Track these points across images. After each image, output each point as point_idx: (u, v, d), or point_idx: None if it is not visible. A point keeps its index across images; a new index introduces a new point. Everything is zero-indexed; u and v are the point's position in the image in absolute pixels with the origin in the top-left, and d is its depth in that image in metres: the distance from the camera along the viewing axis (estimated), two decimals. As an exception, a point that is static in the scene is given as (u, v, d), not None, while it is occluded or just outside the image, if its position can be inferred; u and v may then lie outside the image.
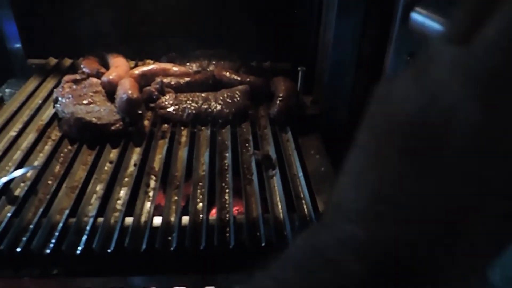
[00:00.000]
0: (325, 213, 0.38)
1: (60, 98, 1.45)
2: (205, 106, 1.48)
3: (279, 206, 1.13)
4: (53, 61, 1.87)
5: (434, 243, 0.32)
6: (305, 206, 1.13)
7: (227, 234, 1.03)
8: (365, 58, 1.48)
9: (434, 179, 0.32)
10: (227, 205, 1.12)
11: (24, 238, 0.99)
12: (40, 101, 1.55)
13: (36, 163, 1.26)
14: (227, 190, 1.17)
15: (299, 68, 1.47)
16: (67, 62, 1.87)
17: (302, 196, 1.17)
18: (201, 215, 1.08)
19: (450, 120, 0.31)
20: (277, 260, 0.37)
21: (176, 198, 1.15)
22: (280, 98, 1.47)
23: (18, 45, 1.84)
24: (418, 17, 0.85)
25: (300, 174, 1.23)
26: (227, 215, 1.08)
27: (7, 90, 1.67)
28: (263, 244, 1.00)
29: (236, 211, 1.11)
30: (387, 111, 0.35)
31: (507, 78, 0.29)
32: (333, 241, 0.34)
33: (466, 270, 0.33)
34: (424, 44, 0.93)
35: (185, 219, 1.07)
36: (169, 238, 1.01)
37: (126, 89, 1.40)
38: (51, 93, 1.59)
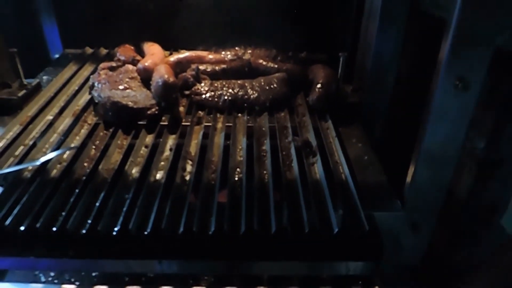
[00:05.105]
0: None
1: (96, 84, 1.44)
2: (242, 93, 1.44)
3: (322, 193, 1.06)
4: (89, 50, 1.88)
5: None
6: (349, 193, 1.06)
7: (268, 219, 0.97)
8: (409, 50, 1.41)
9: None
10: (267, 190, 1.06)
11: (61, 218, 0.97)
12: (76, 88, 1.55)
13: (72, 146, 1.24)
14: (266, 176, 1.12)
15: (340, 54, 1.41)
16: (103, 51, 1.87)
17: (345, 183, 1.10)
18: (240, 199, 1.03)
19: None
20: None
21: (213, 182, 1.10)
22: (319, 85, 1.41)
23: (56, 36, 1.86)
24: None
25: (343, 161, 1.16)
26: (268, 200, 1.03)
27: (44, 77, 1.68)
28: (306, 231, 0.94)
29: (276, 196, 1.05)
30: None
31: None
32: None
33: None
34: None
35: (224, 203, 1.02)
36: (207, 221, 0.97)
37: (162, 74, 1.37)
38: (87, 80, 1.59)
